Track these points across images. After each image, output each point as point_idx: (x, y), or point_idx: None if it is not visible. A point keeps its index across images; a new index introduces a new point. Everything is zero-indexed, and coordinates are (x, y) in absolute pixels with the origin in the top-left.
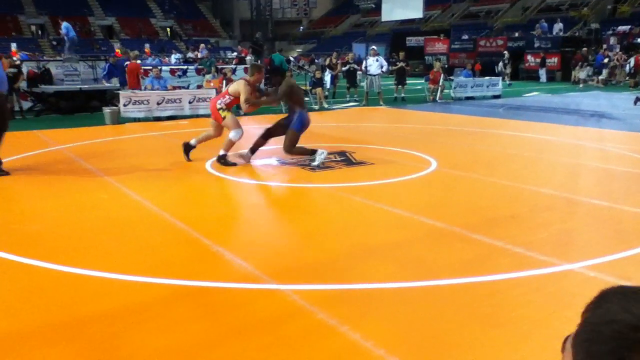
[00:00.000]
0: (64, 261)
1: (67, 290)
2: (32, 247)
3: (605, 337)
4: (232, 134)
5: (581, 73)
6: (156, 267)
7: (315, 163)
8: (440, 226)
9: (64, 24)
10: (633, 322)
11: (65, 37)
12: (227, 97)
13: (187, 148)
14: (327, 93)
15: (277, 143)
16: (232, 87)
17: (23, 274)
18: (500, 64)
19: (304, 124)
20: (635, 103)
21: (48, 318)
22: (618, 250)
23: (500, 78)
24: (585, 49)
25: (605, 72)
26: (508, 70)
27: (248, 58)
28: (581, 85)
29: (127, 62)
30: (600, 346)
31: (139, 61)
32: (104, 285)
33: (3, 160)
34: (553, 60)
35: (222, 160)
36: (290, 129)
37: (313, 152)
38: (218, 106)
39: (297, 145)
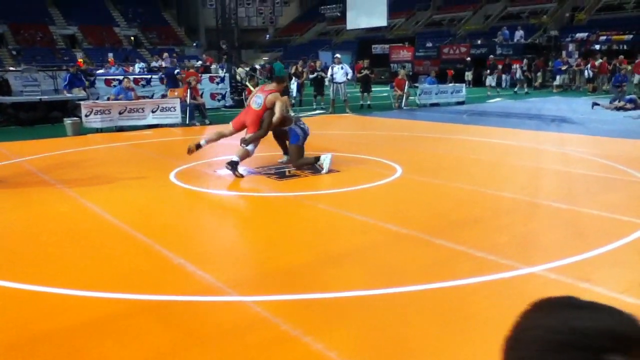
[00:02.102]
0: (19, 278)
1: (22, 308)
2: None
3: (527, 342)
4: (252, 147)
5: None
6: (116, 281)
7: (325, 170)
8: (404, 232)
9: None
10: (555, 326)
11: None
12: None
13: (197, 147)
14: (293, 101)
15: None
16: (270, 99)
17: None
18: (518, 71)
19: (299, 135)
20: (592, 107)
21: (1, 338)
22: (578, 252)
23: (519, 85)
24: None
25: (560, 78)
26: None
27: (213, 67)
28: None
29: (178, 70)
30: (523, 352)
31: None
32: (62, 302)
33: None
34: (515, 67)
35: (233, 167)
36: (290, 146)
37: (317, 159)
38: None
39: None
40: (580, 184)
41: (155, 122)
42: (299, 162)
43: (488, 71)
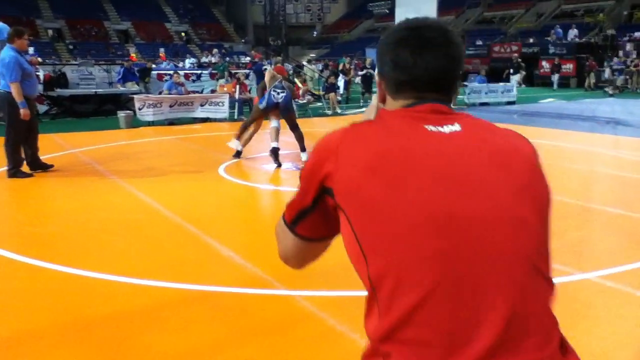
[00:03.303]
0: (75, 263)
1: (77, 293)
2: (44, 249)
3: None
4: (276, 122)
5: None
6: (166, 270)
7: (231, 144)
8: None
9: None
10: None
11: None
12: None
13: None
14: (340, 98)
15: (294, 148)
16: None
17: (34, 276)
18: (607, 70)
19: (264, 99)
20: None
21: (58, 320)
22: (634, 259)
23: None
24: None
25: (620, 78)
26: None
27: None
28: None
29: (265, 67)
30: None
31: (280, 65)
32: (114, 288)
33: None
34: (568, 67)
35: (275, 155)
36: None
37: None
38: None
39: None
40: (635, 188)
41: (203, 115)
42: (245, 123)
43: (512, 70)
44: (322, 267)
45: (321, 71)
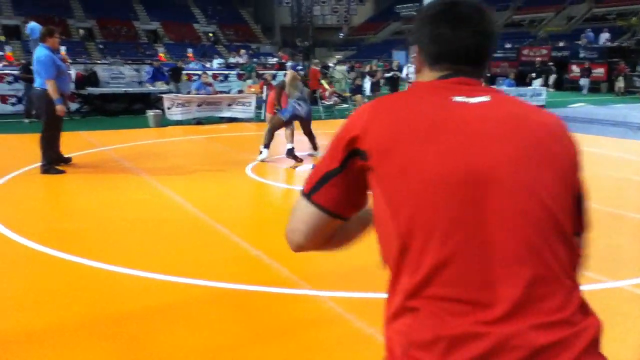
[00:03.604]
0: (104, 259)
1: (106, 287)
2: (74, 244)
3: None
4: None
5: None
6: (194, 268)
7: (258, 159)
8: None
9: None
10: None
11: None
12: None
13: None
14: (366, 100)
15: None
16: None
17: (64, 270)
18: None
19: (288, 112)
20: None
21: (87, 313)
22: None
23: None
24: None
25: None
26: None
27: (288, 64)
28: None
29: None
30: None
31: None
32: (142, 284)
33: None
34: (600, 71)
35: (293, 155)
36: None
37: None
38: None
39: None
40: None
41: (230, 115)
42: (269, 130)
43: (534, 74)
44: (348, 267)
45: (347, 72)
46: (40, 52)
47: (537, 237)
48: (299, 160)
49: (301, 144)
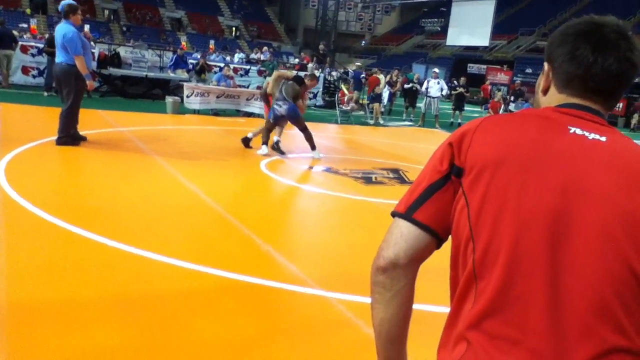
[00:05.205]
0: (121, 238)
1: (124, 268)
2: (92, 221)
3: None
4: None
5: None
6: (208, 257)
7: (262, 152)
8: None
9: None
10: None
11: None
12: None
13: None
14: (383, 109)
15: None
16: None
17: (83, 246)
18: None
19: (271, 113)
20: None
21: (105, 292)
22: None
23: None
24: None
25: None
26: None
27: (309, 65)
28: None
29: (363, 75)
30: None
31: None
32: (159, 268)
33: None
34: (618, 105)
35: (278, 147)
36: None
37: (277, 143)
38: None
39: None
40: None
41: (248, 110)
42: (264, 133)
43: (512, 97)
44: (358, 272)
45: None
46: (66, 28)
47: (614, 298)
48: (282, 153)
49: (303, 144)
